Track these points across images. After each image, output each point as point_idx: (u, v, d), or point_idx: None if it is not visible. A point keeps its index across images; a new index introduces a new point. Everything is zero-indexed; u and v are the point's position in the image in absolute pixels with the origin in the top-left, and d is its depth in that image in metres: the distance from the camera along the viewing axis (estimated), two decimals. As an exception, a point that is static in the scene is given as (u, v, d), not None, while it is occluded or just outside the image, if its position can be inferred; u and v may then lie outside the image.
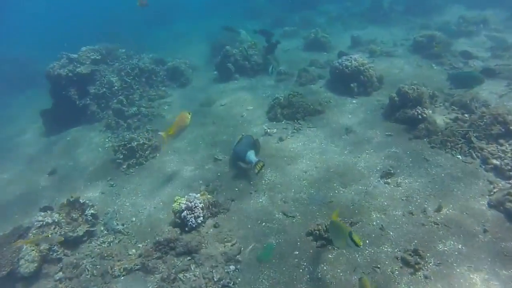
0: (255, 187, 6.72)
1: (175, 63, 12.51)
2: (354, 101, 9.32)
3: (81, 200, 6.67)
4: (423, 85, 9.51)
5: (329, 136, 8.00)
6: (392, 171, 6.63)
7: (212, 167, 7.56)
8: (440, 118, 7.94)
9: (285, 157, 7.47)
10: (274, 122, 8.81)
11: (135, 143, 8.28)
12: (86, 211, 6.57)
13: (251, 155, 6.96)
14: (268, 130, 8.35)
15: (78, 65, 11.41)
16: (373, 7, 16.91)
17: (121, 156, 8.29)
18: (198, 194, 6.15)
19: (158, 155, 8.46)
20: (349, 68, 9.50)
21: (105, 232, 6.46)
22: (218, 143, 8.38)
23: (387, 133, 7.80)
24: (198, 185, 7.07)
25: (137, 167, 8.16)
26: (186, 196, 5.96)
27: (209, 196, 6.23)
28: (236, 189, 6.78)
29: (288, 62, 12.62)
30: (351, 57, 9.68)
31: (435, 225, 5.40)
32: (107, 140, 9.95)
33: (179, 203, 5.86)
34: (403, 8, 17.20)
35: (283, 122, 8.77)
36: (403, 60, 11.53)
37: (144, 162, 8.22)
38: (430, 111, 7.91)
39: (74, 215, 6.51)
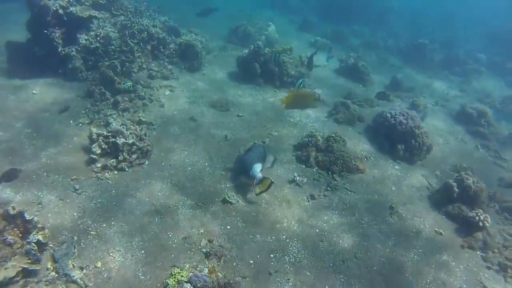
0: (276, 266, 4.93)
1: (190, 40, 10.19)
2: (396, 167, 7.82)
3: (27, 216, 4.49)
4: (471, 171, 8.41)
5: (371, 213, 6.40)
6: None
7: (220, 212, 5.63)
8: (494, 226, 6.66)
9: (318, 228, 5.74)
10: (304, 166, 7.06)
11: (122, 140, 6.10)
12: (31, 236, 4.42)
13: (256, 169, 5.86)
14: (297, 178, 6.55)
15: (75, 2, 8.82)
16: (414, 48, 15.56)
17: (98, 151, 6.09)
18: (206, 269, 4.24)
19: (147, 162, 6.35)
20: (403, 126, 7.93)
21: (52, 275, 4.34)
22: (230, 172, 6.44)
23: (436, 229, 6.40)
24: (198, 237, 5.13)
25: (116, 172, 6.01)
26: (190, 274, 4.02)
27: (219, 274, 4.33)
28: (251, 261, 4.93)
29: (320, 83, 10.83)
30: (407, 114, 8.13)
31: None
32: (83, 113, 7.62)
33: (178, 280, 3.93)
34: (441, 58, 16.06)
35: (314, 169, 7.03)
36: (447, 127, 10.22)
37: (127, 169, 6.09)
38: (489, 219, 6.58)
39: (10, 238, 4.33)
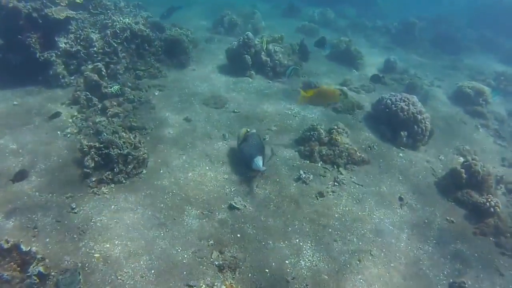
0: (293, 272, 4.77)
1: (176, 35, 9.74)
2: (401, 154, 7.71)
3: (23, 247, 4.20)
4: (474, 153, 8.41)
5: (380, 204, 6.30)
6: (465, 285, 5.13)
7: (228, 219, 5.43)
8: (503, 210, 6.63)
9: (330, 228, 5.59)
10: (308, 162, 6.87)
11: (116, 151, 5.78)
12: (31, 269, 4.13)
13: (259, 162, 5.82)
14: (303, 175, 6.36)
15: (49, 4, 8.30)
16: (403, 28, 15.38)
17: (92, 164, 5.76)
18: (223, 287, 4.05)
19: (144, 171, 6.06)
20: (405, 112, 7.78)
21: (56, 311, 4.10)
22: (233, 175, 6.20)
23: (448, 218, 6.33)
24: (207, 249, 4.91)
25: (112, 185, 5.71)
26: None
27: (236, 290, 4.15)
28: (267, 270, 4.76)
29: (313, 71, 10.57)
30: (408, 99, 7.97)
31: None
32: (70, 121, 7.24)
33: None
34: (432, 37, 15.94)
35: (319, 164, 6.85)
36: (446, 108, 10.14)
37: (124, 181, 5.79)
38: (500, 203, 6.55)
39: (6, 274, 4.04)
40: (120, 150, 5.79)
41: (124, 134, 6.19)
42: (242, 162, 6.23)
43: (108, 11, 9.42)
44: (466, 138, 9.00)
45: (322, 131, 7.00)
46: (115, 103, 7.48)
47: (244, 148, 6.12)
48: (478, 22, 17.65)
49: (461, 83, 10.80)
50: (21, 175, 5.68)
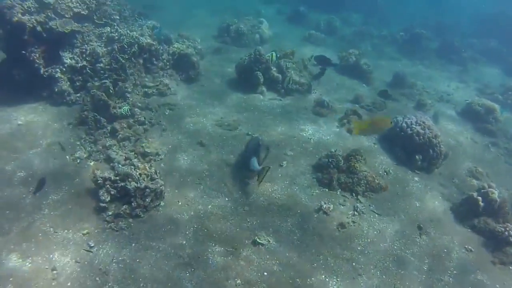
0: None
1: (184, 49, 9.60)
2: (416, 179, 7.77)
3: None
4: (487, 175, 8.54)
5: (400, 234, 6.36)
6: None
7: (253, 256, 5.40)
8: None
9: (354, 261, 5.61)
10: (326, 190, 6.87)
11: (133, 184, 5.67)
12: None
13: (254, 163, 6.31)
14: (324, 206, 6.36)
15: (53, 15, 8.09)
16: (410, 38, 15.48)
17: (107, 199, 5.66)
18: None
19: (162, 203, 5.98)
20: (421, 137, 7.84)
21: None
22: (254, 209, 6.16)
23: (466, 246, 6.41)
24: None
25: (130, 220, 5.62)
26: None
27: None
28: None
29: (323, 85, 10.54)
30: (423, 123, 8.04)
31: None
32: (78, 144, 7.10)
33: None
34: (437, 46, 16.08)
35: (338, 192, 6.86)
36: (456, 127, 10.24)
37: (142, 215, 5.69)
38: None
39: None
40: (137, 183, 5.69)
41: (140, 164, 6.09)
42: (242, 165, 6.77)
43: (113, 22, 9.20)
44: (478, 158, 9.11)
45: (340, 158, 6.99)
46: (125, 125, 7.35)
47: (246, 153, 6.73)
48: (482, 32, 17.86)
49: (470, 99, 10.91)
50: (41, 184, 5.72)
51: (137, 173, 5.85)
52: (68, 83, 8.06)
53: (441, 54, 15.43)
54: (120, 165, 6.06)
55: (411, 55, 14.97)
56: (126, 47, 8.41)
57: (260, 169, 6.26)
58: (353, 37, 15.86)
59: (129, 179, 5.73)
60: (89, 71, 8.15)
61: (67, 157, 6.81)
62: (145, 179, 5.86)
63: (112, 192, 5.71)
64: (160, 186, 5.93)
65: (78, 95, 8.11)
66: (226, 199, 6.24)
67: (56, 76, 7.94)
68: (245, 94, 9.27)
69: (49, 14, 8.14)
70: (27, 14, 7.85)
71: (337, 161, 6.96)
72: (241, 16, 14.33)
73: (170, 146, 7.19)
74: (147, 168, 6.07)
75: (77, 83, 8.14)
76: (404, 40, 15.62)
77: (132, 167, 6.02)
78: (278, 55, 9.33)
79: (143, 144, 6.97)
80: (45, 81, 7.99)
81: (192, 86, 9.43)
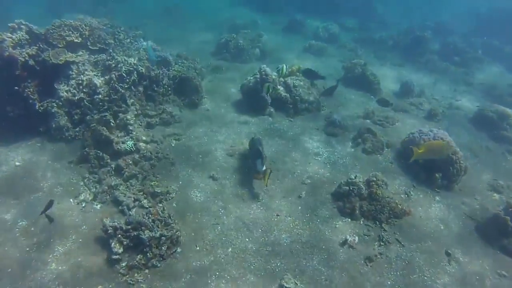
0: None
1: (185, 72, 9.32)
2: (437, 198, 7.61)
3: None
4: (509, 189, 8.38)
5: (429, 263, 6.17)
6: None
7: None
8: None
9: (388, 304, 5.39)
10: (349, 220, 6.65)
11: (147, 234, 5.38)
12: None
13: (259, 165, 6.75)
14: (349, 239, 6.13)
15: (46, 46, 7.80)
16: (411, 41, 15.37)
17: (120, 250, 5.37)
18: None
19: (179, 249, 5.69)
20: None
21: None
22: (277, 247, 5.90)
23: (498, 271, 6.23)
24: None
25: (147, 271, 5.33)
26: None
27: None
28: None
29: (331, 101, 10.33)
30: (441, 139, 7.85)
31: None
32: (81, 185, 6.80)
33: None
34: (438, 48, 16.01)
35: (361, 221, 6.65)
36: (469, 136, 10.09)
37: (159, 265, 5.41)
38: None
39: None
40: (152, 232, 5.40)
41: (152, 210, 5.80)
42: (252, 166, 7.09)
43: (108, 47, 8.90)
44: (496, 169, 8.95)
45: (362, 185, 6.78)
46: (130, 162, 7.06)
47: (252, 155, 7.15)
48: (481, 30, 17.82)
49: (482, 105, 10.79)
50: (49, 205, 5.64)
51: (150, 220, 5.56)
52: (66, 117, 7.74)
53: (444, 56, 15.34)
54: (130, 212, 5.77)
55: (414, 60, 14.86)
56: (125, 75, 8.11)
57: (264, 170, 6.75)
58: (354, 44, 15.72)
59: (142, 228, 5.44)
60: (87, 103, 7.84)
61: (71, 200, 6.52)
62: (159, 226, 5.58)
63: (125, 242, 5.42)
64: (176, 232, 5.65)
65: (77, 129, 7.81)
66: (247, 239, 5.98)
67: (53, 111, 7.62)
68: (252, 117, 9.00)
69: (41, 45, 7.84)
70: (18, 48, 7.56)
71: (359, 188, 6.75)
72: (237, 28, 14.11)
73: (180, 183, 6.91)
74: (160, 212, 5.78)
75: (76, 117, 7.82)
76: (406, 45, 15.51)
77: (144, 213, 5.73)
78: (287, 68, 9.04)
79: (152, 183, 6.68)
80: (41, 116, 7.69)
81: (197, 111, 9.15)
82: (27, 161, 7.20)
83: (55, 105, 7.68)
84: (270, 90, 8.24)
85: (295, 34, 16.04)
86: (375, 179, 6.97)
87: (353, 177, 6.94)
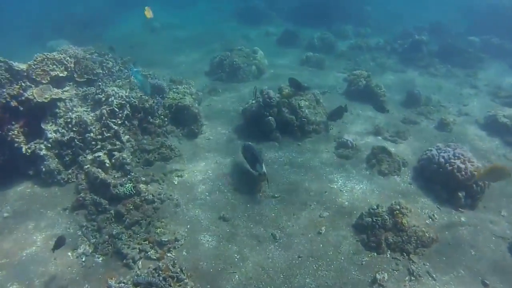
0: None
1: (180, 100, 8.88)
2: (463, 219, 7.26)
3: None
4: None
5: (467, 300, 5.75)
6: None
7: None
8: None
9: None
10: (375, 254, 6.26)
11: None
12: None
13: (260, 167, 6.92)
14: (378, 277, 5.73)
15: (29, 83, 7.34)
16: (410, 46, 15.19)
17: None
18: None
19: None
20: (463, 172, 7.33)
21: None
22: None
23: (542, 299, 5.88)
24: None
25: None
26: None
27: None
28: None
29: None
30: (463, 155, 7.54)
31: None
32: (79, 234, 6.34)
33: None
34: (437, 50, 15.86)
35: (388, 255, 6.25)
36: (484, 144, 9.81)
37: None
38: None
39: None
40: (168, 297, 4.94)
41: (162, 265, 5.33)
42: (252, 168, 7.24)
43: (97, 78, 8.45)
44: (517, 179, 8.66)
45: (385, 215, 6.40)
46: (131, 207, 6.57)
47: (252, 160, 7.21)
48: (478, 28, 17.72)
49: (493, 110, 10.55)
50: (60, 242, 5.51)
51: (161, 278, 5.09)
52: (56, 160, 7.30)
53: (444, 58, 15.16)
54: (138, 271, 5.29)
55: (415, 65, 14.67)
56: (117, 110, 7.64)
57: (265, 172, 6.97)
58: (351, 52, 15.49)
59: (153, 288, 4.98)
60: (78, 142, 7.37)
61: (69, 254, 6.03)
62: (172, 284, 5.11)
63: (135, 305, 4.94)
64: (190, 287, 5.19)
65: (70, 171, 7.33)
66: (268, 287, 5.54)
67: (41, 154, 7.14)
68: (258, 144, 8.55)
69: (23, 83, 7.36)
70: (-2, 89, 7.07)
71: (383, 219, 6.37)
72: (229, 43, 13.74)
73: (188, 226, 6.45)
74: (171, 267, 5.32)
75: (67, 158, 7.38)
76: (404, 49, 15.31)
77: (153, 269, 5.27)
78: (288, 93, 8.78)
79: (158, 230, 6.20)
80: (30, 158, 7.21)
81: (197, 141, 8.70)
82: (17, 211, 6.71)
83: (44, 147, 7.22)
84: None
85: (291, 46, 15.75)
86: (398, 207, 6.60)
87: (375, 207, 6.57)
